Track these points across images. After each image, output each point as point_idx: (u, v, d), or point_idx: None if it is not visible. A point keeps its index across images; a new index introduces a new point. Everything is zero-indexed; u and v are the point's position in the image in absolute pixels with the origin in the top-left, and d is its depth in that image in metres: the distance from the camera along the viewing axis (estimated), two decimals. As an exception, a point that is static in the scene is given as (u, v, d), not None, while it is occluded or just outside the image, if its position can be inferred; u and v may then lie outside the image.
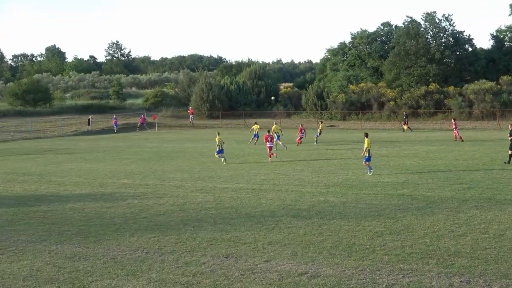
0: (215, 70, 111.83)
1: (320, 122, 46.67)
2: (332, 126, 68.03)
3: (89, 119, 72.72)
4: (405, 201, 20.84)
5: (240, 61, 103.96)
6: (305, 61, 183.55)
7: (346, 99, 75.04)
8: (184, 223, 18.10)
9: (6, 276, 13.23)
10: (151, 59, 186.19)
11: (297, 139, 44.53)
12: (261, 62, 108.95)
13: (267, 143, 35.19)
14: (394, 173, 28.31)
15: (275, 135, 39.04)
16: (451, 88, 71.32)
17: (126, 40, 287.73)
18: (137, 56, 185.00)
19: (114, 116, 72.00)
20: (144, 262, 14.00)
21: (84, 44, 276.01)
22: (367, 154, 27.61)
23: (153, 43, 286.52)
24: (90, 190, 25.55)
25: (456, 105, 68.44)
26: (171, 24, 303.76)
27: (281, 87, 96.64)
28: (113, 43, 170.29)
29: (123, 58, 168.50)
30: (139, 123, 71.23)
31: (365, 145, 27.76)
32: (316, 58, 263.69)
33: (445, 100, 70.36)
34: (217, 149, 34.54)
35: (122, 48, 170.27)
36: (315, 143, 44.28)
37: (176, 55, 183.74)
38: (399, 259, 13.55)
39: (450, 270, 12.65)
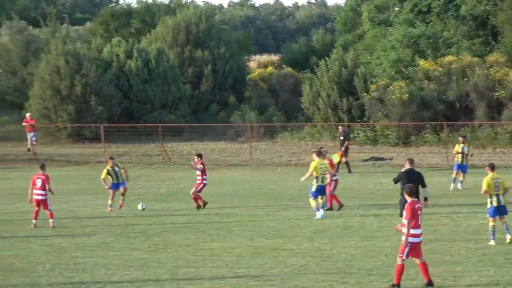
0: (88, 23, 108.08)
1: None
2: (376, 159, 64.05)
3: None
4: None
5: (149, 0, 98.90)
6: (308, 2, 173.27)
7: (411, 94, 67.96)
8: None
9: None
10: None
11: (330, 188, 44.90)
12: (202, 4, 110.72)
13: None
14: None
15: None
16: None
17: None
18: None
19: None
20: None
21: None
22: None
23: None
24: None
25: None
26: None
27: (252, 63, 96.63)
28: None
29: None
30: None
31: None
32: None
33: None
34: None
35: None
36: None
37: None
38: None
39: None
